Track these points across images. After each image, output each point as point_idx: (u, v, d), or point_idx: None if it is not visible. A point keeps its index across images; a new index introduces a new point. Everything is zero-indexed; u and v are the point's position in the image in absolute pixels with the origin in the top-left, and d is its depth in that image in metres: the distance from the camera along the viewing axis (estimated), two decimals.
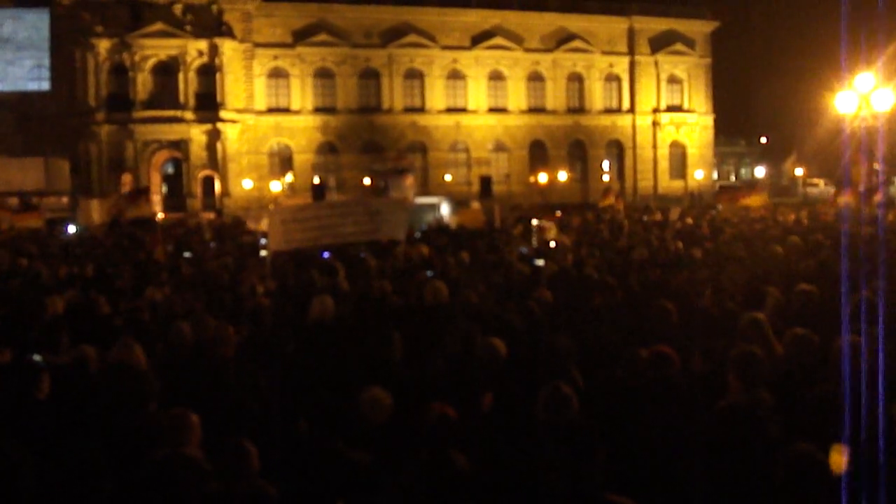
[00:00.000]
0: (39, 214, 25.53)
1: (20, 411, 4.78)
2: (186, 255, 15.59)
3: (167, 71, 50.25)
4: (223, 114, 50.73)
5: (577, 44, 59.49)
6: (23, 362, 5.73)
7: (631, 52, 60.93)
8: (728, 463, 4.14)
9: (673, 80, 61.91)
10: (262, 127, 53.49)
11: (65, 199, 38.72)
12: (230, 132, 51.28)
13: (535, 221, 18.34)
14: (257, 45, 52.84)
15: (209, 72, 50.83)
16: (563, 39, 59.25)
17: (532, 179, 53.79)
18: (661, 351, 5.23)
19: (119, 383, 4.91)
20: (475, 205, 29.70)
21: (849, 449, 3.63)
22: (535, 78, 59.36)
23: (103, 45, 49.08)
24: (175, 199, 48.34)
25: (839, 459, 3.59)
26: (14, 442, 3.13)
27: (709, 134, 64.00)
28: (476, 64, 57.55)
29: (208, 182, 51.30)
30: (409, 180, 43.05)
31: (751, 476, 3.97)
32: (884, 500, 3.50)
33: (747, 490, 3.97)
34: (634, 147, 61.62)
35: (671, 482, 4.36)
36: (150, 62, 50.08)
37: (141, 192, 24.08)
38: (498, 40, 57.60)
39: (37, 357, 6.07)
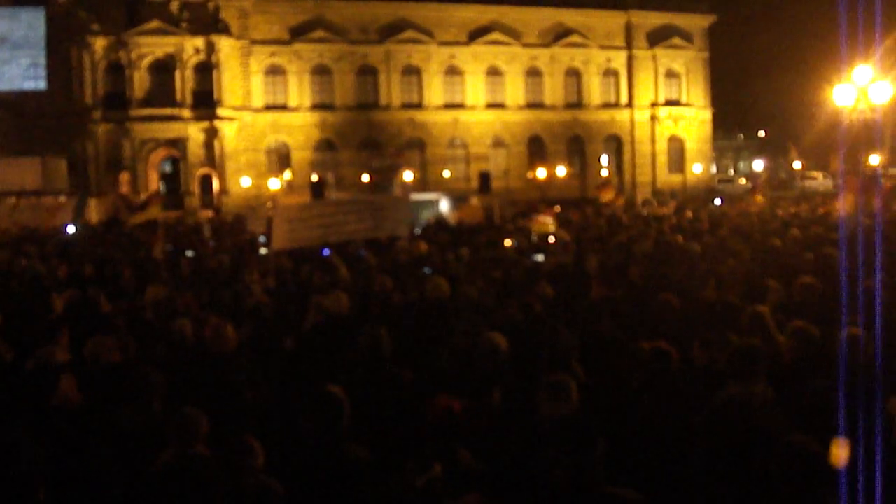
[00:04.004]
0: (158, 201, 24.99)
1: (30, 411, 4.79)
2: (189, 253, 15.57)
3: (164, 69, 50.16)
4: (220, 111, 50.65)
5: (574, 38, 59.41)
6: (33, 362, 5.73)
7: (628, 46, 60.86)
8: (726, 455, 4.16)
9: (671, 74, 61.86)
10: (259, 124, 53.42)
11: (63, 199, 38.61)
12: (228, 130, 51.20)
13: (533, 217, 18.33)
14: (254, 42, 52.74)
15: (206, 69, 50.73)
16: (560, 34, 59.17)
17: (531, 175, 53.76)
18: (659, 346, 5.26)
19: (124, 381, 4.92)
20: (474, 200, 29.64)
21: (848, 442, 3.64)
22: (533, 73, 59.29)
23: (99, 44, 48.97)
24: (173, 197, 48.25)
25: (839, 453, 3.60)
26: (26, 440, 3.14)
27: (707, 128, 64.00)
28: (473, 59, 57.48)
29: (206, 180, 51.23)
30: (402, 174, 43.06)
31: (748, 468, 3.99)
32: (880, 493, 3.52)
33: (745, 482, 3.99)
34: (633, 142, 61.58)
35: (670, 474, 4.38)
36: (147, 60, 49.98)
37: (154, 198, 24.19)
38: (495, 35, 57.51)
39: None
